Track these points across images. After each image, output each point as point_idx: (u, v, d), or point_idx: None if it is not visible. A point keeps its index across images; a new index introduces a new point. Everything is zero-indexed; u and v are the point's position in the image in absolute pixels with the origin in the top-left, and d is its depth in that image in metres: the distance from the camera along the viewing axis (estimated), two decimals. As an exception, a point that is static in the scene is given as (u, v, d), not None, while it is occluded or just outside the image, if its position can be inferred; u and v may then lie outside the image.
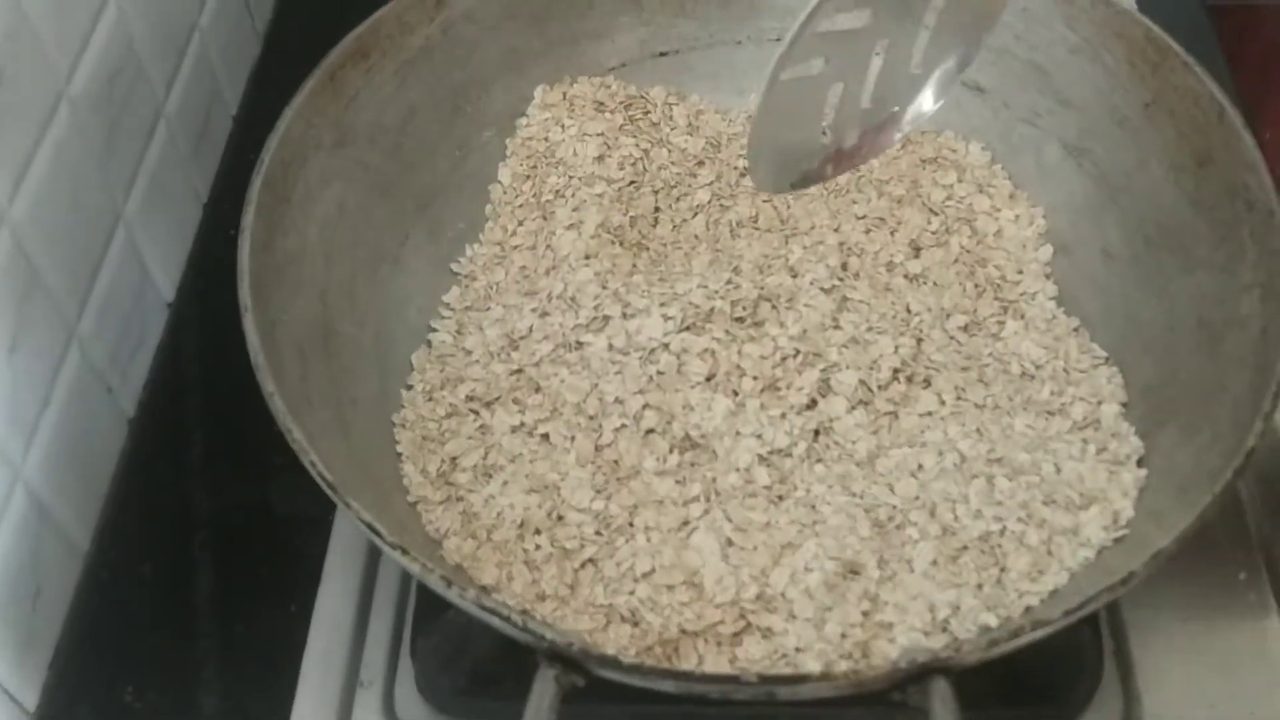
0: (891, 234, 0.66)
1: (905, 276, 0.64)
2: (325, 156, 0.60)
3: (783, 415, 0.58)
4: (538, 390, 0.60)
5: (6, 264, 0.55)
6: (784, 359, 0.59)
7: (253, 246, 0.54)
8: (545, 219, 0.67)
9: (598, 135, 0.69)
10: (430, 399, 0.60)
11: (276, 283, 0.55)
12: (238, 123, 0.79)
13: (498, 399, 0.60)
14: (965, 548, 0.54)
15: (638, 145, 0.69)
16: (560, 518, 0.55)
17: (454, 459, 0.58)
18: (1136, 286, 0.60)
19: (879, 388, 0.59)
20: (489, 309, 0.64)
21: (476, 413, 0.60)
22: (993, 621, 0.52)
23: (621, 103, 0.70)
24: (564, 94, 0.70)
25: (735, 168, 0.69)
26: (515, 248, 0.66)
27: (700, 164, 0.69)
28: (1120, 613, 0.59)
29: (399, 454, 0.58)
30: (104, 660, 0.59)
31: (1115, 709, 0.57)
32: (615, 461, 0.57)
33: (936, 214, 0.66)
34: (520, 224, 0.67)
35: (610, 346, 0.60)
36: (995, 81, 0.67)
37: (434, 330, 0.63)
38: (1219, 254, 0.56)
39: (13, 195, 0.55)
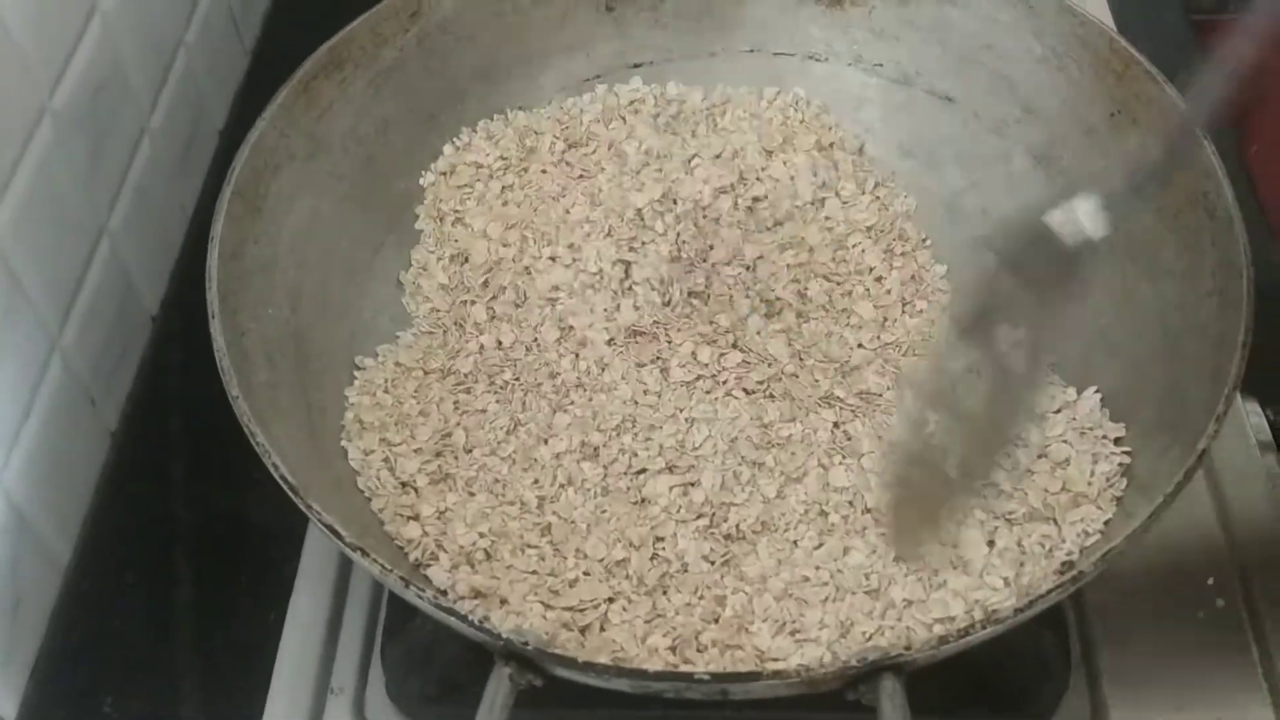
0: None
1: None
2: (299, 166, 0.60)
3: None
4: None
5: (-13, 275, 0.56)
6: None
7: (222, 254, 0.54)
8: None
9: None
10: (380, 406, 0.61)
11: (246, 290, 0.55)
12: (224, 138, 0.80)
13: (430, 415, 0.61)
14: None
15: None
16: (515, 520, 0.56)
17: (412, 468, 0.58)
18: (1103, 294, 0.60)
19: None
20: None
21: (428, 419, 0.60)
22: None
23: None
24: None
25: None
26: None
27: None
28: (1088, 618, 0.59)
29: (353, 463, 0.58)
30: (83, 671, 0.60)
31: (1083, 714, 0.57)
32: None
33: None
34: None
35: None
36: (964, 92, 0.68)
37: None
38: (1182, 261, 0.56)
39: (-6, 207, 0.56)
